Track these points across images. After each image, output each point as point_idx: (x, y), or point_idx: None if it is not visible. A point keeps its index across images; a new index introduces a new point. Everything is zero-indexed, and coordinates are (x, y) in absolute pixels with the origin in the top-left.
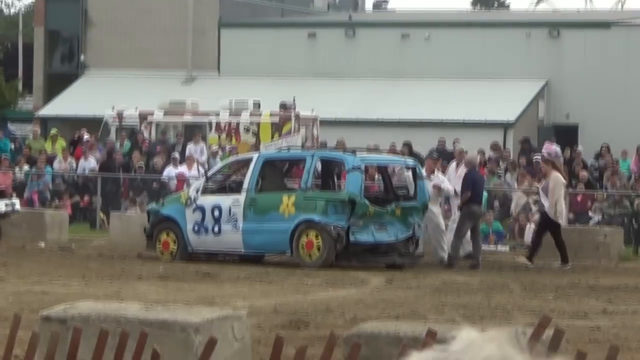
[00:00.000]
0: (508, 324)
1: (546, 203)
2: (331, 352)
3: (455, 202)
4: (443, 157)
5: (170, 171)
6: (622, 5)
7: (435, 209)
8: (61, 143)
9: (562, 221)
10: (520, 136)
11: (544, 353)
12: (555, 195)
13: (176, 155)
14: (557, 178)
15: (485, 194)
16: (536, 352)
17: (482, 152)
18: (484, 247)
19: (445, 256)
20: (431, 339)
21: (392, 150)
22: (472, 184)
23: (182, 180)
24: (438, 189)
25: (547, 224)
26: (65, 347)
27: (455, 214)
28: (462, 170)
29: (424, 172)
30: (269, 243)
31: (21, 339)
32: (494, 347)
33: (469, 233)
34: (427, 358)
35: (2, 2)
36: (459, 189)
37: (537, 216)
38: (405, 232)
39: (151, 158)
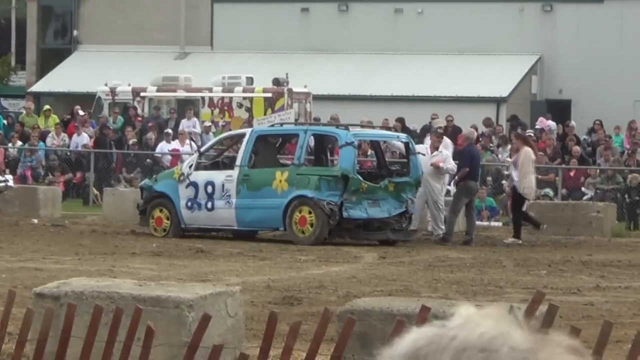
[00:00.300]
0: (501, 300)
1: (516, 177)
2: (325, 328)
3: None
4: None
5: (163, 147)
6: None
7: (437, 185)
8: (54, 119)
9: (530, 197)
10: (513, 111)
11: (540, 329)
12: (523, 169)
13: (169, 131)
14: (527, 153)
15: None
16: (533, 328)
17: (475, 128)
18: (477, 223)
19: (441, 234)
20: (424, 315)
21: (385, 126)
22: (469, 160)
23: (176, 156)
24: (437, 167)
25: (516, 198)
26: (59, 323)
27: (445, 190)
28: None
29: (417, 147)
30: (262, 219)
31: (15, 316)
32: (491, 322)
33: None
34: (425, 333)
35: None
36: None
37: (508, 190)
38: (398, 207)
39: (144, 134)
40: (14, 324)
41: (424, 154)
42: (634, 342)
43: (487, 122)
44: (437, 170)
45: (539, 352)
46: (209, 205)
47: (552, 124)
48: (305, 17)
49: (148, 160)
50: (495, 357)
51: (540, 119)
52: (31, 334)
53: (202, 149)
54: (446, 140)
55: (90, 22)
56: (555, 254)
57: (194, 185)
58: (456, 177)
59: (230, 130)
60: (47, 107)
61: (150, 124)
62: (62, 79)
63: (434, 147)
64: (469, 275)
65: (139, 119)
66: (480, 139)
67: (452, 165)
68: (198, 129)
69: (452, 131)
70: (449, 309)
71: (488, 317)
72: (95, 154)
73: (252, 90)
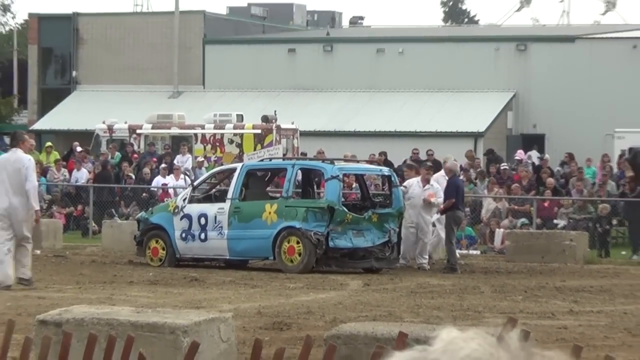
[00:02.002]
0: (480, 325)
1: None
2: (308, 354)
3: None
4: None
5: (158, 181)
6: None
7: (428, 217)
8: (55, 155)
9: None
10: (490, 145)
11: (525, 349)
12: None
13: (164, 166)
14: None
15: None
16: (517, 348)
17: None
18: (465, 252)
19: (425, 263)
20: (402, 339)
21: (370, 160)
22: (455, 191)
23: (167, 190)
24: (428, 202)
25: None
26: (58, 349)
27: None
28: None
29: (408, 182)
30: (253, 249)
31: (18, 342)
32: (474, 345)
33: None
34: (407, 357)
35: None
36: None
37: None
38: (381, 237)
39: (140, 169)
40: (18, 349)
41: (405, 187)
42: None
43: (469, 154)
44: (429, 204)
45: None
46: (202, 236)
47: (534, 153)
48: (292, 57)
49: (144, 194)
50: None
51: (519, 151)
52: (32, 359)
53: (195, 183)
54: (438, 174)
55: (88, 64)
56: (530, 280)
57: (188, 217)
58: (441, 207)
59: (221, 165)
60: (48, 144)
61: (153, 159)
62: (61, 117)
63: (425, 180)
64: (449, 300)
65: (135, 155)
66: (462, 172)
67: (441, 199)
68: (191, 164)
69: (433, 165)
70: (430, 333)
71: (471, 340)
72: (94, 188)
73: (242, 127)
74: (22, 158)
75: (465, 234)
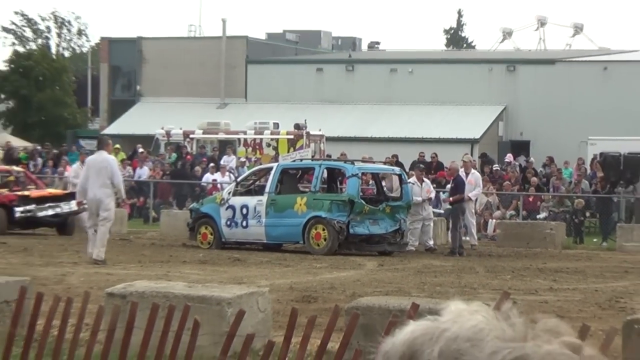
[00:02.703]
0: (475, 299)
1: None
2: (335, 321)
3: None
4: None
5: (208, 177)
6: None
7: (428, 207)
8: (122, 155)
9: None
10: (484, 150)
11: (528, 324)
12: None
13: (212, 165)
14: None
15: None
16: (521, 322)
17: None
18: (463, 238)
19: (432, 243)
20: (414, 310)
21: (384, 161)
22: (462, 187)
23: (215, 185)
24: (428, 197)
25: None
26: (125, 317)
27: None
28: (471, 176)
29: (409, 179)
30: (286, 234)
31: (90, 311)
32: (480, 317)
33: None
34: (421, 325)
35: (74, 43)
36: (470, 191)
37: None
38: (393, 225)
39: (193, 167)
40: (90, 317)
41: (413, 183)
42: (579, 332)
43: (467, 158)
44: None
45: (526, 342)
46: (244, 223)
47: (521, 158)
48: (319, 75)
49: (196, 188)
50: (480, 346)
51: (509, 155)
52: (103, 325)
53: (238, 179)
54: (475, 173)
55: (149, 79)
56: (517, 263)
57: (232, 208)
58: (451, 199)
59: (260, 164)
60: (116, 146)
61: (203, 159)
62: (127, 124)
63: (420, 179)
64: (449, 279)
65: (189, 156)
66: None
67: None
68: (235, 164)
69: (436, 165)
70: (436, 306)
71: (476, 313)
72: (153, 182)
73: (278, 133)
74: (107, 158)
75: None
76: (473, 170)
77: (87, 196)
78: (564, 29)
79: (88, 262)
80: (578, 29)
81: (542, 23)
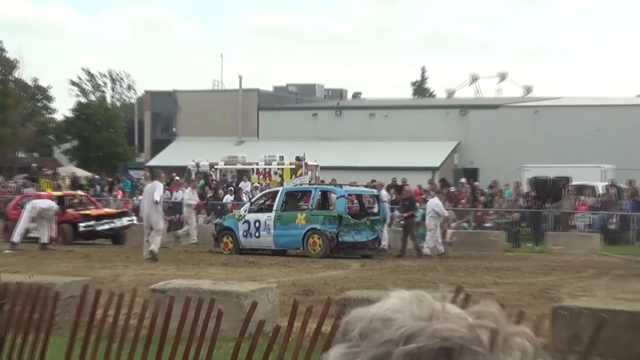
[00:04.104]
0: (436, 292)
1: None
2: (328, 310)
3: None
4: (393, 188)
5: (228, 198)
6: (501, 91)
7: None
8: (148, 181)
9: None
10: (443, 175)
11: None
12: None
13: (232, 189)
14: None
15: (421, 210)
16: (442, 305)
17: (419, 186)
18: (422, 244)
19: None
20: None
21: (366, 185)
22: (414, 205)
23: (234, 205)
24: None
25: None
26: (165, 308)
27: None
28: (434, 199)
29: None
30: (289, 242)
31: (138, 303)
32: (394, 300)
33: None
34: (357, 309)
35: (124, 95)
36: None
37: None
38: (372, 235)
39: (217, 191)
40: (137, 308)
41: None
42: (517, 316)
43: (430, 181)
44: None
45: (436, 320)
46: (257, 234)
47: (470, 184)
48: (314, 118)
49: (219, 207)
50: (389, 324)
51: (462, 179)
52: (147, 314)
53: (252, 200)
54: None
55: (183, 123)
56: (469, 263)
57: (248, 222)
58: (405, 215)
59: (269, 188)
60: (144, 173)
61: (225, 185)
62: (165, 157)
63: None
64: (416, 276)
65: (214, 181)
66: (423, 194)
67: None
68: (249, 188)
69: (403, 187)
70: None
71: (400, 297)
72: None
73: (283, 164)
74: (157, 186)
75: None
76: (435, 198)
77: (143, 214)
78: (492, 78)
79: (144, 260)
80: (502, 75)
81: (474, 78)
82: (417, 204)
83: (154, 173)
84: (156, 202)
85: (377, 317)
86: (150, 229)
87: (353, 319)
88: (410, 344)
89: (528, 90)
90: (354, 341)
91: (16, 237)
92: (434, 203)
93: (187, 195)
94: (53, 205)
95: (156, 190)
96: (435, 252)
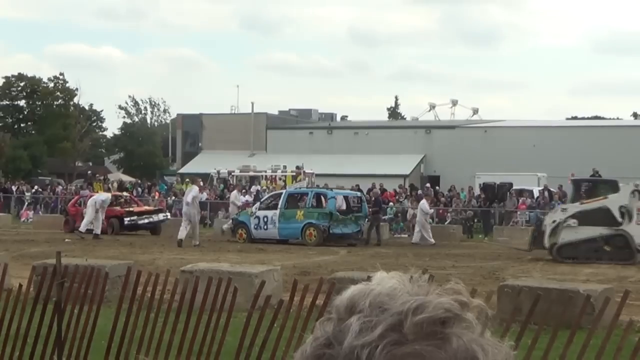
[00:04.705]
0: (406, 273)
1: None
2: (321, 287)
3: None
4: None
5: (242, 199)
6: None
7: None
8: (190, 185)
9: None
10: (412, 181)
11: (430, 285)
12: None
13: (245, 190)
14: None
15: (395, 208)
16: (424, 283)
17: (395, 190)
18: (398, 236)
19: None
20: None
21: (351, 189)
22: (380, 204)
23: (248, 204)
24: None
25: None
26: (192, 285)
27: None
28: (423, 201)
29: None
30: (291, 234)
31: (171, 282)
32: (394, 281)
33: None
34: (358, 287)
35: (161, 117)
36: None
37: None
38: (356, 228)
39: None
40: (170, 285)
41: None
42: (471, 293)
43: (400, 186)
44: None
45: (428, 294)
46: (265, 227)
47: (433, 188)
48: (311, 137)
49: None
50: (394, 299)
51: (427, 184)
52: (178, 290)
53: (261, 200)
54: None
55: (207, 139)
56: (432, 250)
57: (258, 217)
58: (370, 210)
59: (275, 191)
60: (187, 179)
61: (239, 188)
62: (193, 166)
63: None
64: (391, 260)
65: (232, 186)
66: (396, 195)
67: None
68: (254, 190)
69: (381, 191)
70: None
71: (393, 278)
72: (210, 203)
73: (286, 172)
74: (193, 189)
75: (400, 227)
76: (423, 200)
77: (183, 210)
78: (446, 105)
79: (193, 246)
80: (454, 102)
81: (432, 106)
82: (384, 205)
83: (192, 179)
84: (187, 203)
85: (384, 293)
86: (189, 222)
87: (357, 295)
88: (419, 315)
89: (475, 111)
90: (366, 312)
91: (83, 227)
92: (422, 203)
93: (234, 197)
94: (109, 196)
95: (191, 192)
96: (425, 242)
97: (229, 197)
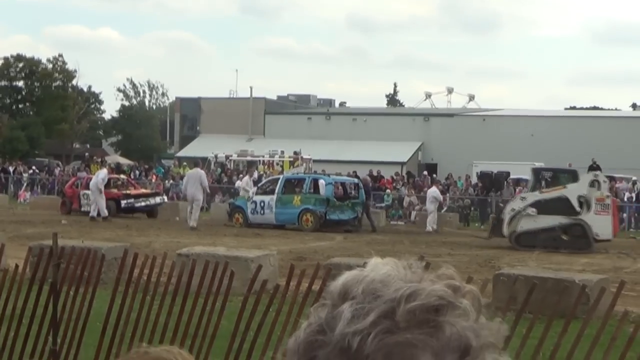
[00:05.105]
0: (402, 260)
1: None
2: (317, 273)
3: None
4: (371, 178)
5: (239, 184)
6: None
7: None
8: (187, 169)
9: None
10: (409, 169)
11: (424, 271)
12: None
13: (242, 175)
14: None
15: (392, 195)
16: (419, 270)
17: (391, 177)
18: (395, 223)
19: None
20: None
21: (348, 175)
22: (370, 191)
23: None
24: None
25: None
26: (189, 269)
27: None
28: (433, 188)
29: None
30: (288, 219)
31: (167, 265)
32: (389, 268)
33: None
34: (351, 273)
35: (159, 100)
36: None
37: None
38: (353, 214)
39: (231, 177)
40: (167, 268)
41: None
42: (467, 281)
43: (397, 174)
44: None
45: (422, 281)
46: (262, 212)
47: (430, 175)
48: (309, 122)
49: (232, 189)
50: (388, 286)
51: (425, 172)
52: (174, 273)
53: (259, 185)
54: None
55: (205, 123)
56: (429, 238)
57: (255, 202)
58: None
59: (272, 176)
60: (184, 163)
61: (237, 172)
62: (191, 150)
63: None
64: (387, 247)
65: (229, 170)
66: (394, 182)
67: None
68: (256, 176)
69: (379, 177)
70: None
71: (387, 264)
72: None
73: (283, 157)
74: (200, 172)
75: (398, 214)
76: (434, 187)
77: (187, 193)
78: (462, 95)
79: (190, 228)
80: (450, 89)
81: (428, 95)
82: (380, 192)
83: (195, 162)
84: (203, 186)
85: (377, 279)
86: (192, 205)
87: (351, 282)
88: (412, 302)
89: (471, 97)
90: (359, 298)
91: (93, 211)
92: (433, 191)
93: (244, 183)
94: (105, 171)
95: (200, 176)
96: (426, 229)
97: (225, 182)
